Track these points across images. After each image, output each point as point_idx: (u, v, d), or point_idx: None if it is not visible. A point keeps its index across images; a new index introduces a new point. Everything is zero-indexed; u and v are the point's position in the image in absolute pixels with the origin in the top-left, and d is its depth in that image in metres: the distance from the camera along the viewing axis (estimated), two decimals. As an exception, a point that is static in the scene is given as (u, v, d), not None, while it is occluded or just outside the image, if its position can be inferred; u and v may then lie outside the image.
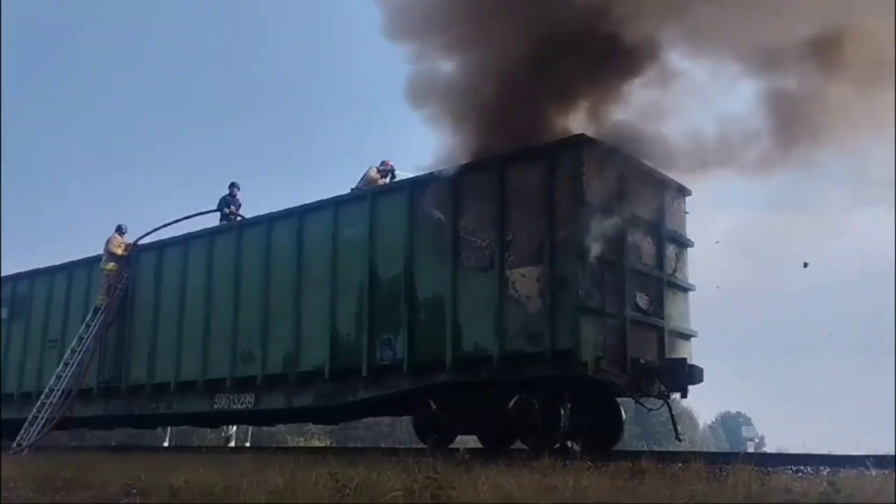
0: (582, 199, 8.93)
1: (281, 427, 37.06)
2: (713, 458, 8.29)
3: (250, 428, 32.32)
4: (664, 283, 10.06)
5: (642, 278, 9.77)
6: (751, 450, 29.62)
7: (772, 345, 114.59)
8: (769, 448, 41.12)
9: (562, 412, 9.09)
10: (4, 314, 16.02)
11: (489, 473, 5.79)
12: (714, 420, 74.53)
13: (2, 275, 15.95)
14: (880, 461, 6.00)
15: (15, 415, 14.52)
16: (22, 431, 13.00)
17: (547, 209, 9.16)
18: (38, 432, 12.92)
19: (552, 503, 4.13)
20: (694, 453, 9.10)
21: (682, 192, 10.63)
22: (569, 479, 5.16)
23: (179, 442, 28.40)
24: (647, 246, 9.98)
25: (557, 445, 9.13)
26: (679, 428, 10.88)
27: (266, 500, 4.46)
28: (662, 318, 9.91)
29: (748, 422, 64.26)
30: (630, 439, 36.92)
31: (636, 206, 9.68)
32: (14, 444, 12.77)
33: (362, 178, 11.83)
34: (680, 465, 7.00)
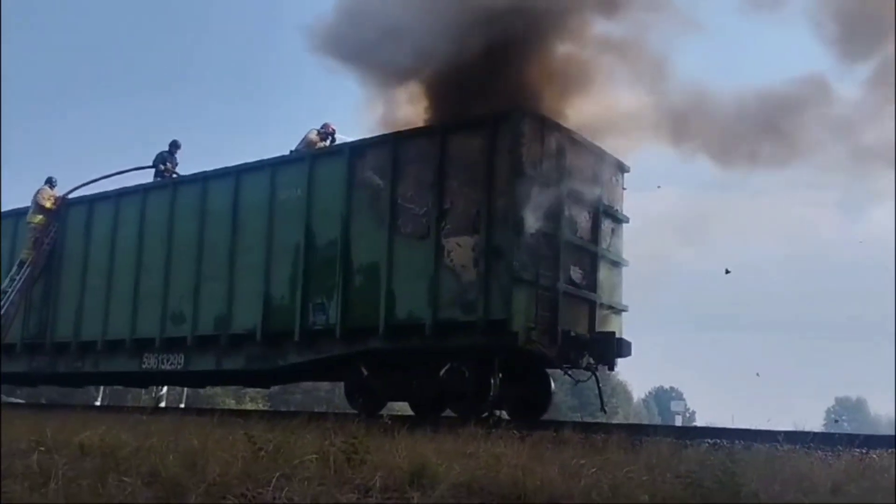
0: (520, 171, 8.94)
1: (218, 390, 36.77)
2: (636, 430, 8.51)
3: (185, 389, 32.02)
4: (598, 257, 10.17)
5: (577, 252, 9.86)
6: (678, 423, 30.45)
7: (707, 322, 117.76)
8: (699, 422, 42.38)
9: (492, 381, 9.18)
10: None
11: (411, 440, 5.80)
12: (647, 394, 76.30)
13: None
14: (790, 436, 6.22)
15: (-66, 368, 14.06)
16: (-60, 386, 12.61)
17: (485, 179, 9.15)
18: (-43, 387, 12.55)
19: (465, 469, 4.15)
20: (617, 425, 9.35)
21: (621, 168, 10.72)
22: (487, 446, 5.19)
23: (112, 401, 27.85)
24: (583, 220, 10.05)
25: (486, 414, 9.21)
26: (613, 401, 11.16)
27: (175, 461, 4.38)
28: (595, 292, 10.03)
29: (680, 396, 65.94)
30: (566, 411, 37.60)
31: (574, 179, 9.73)
32: (-70, 400, 12.38)
33: (302, 141, 11.63)
34: (602, 435, 7.15)
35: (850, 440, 6.42)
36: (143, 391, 36.80)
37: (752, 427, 7.95)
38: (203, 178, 11.89)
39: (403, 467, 4.27)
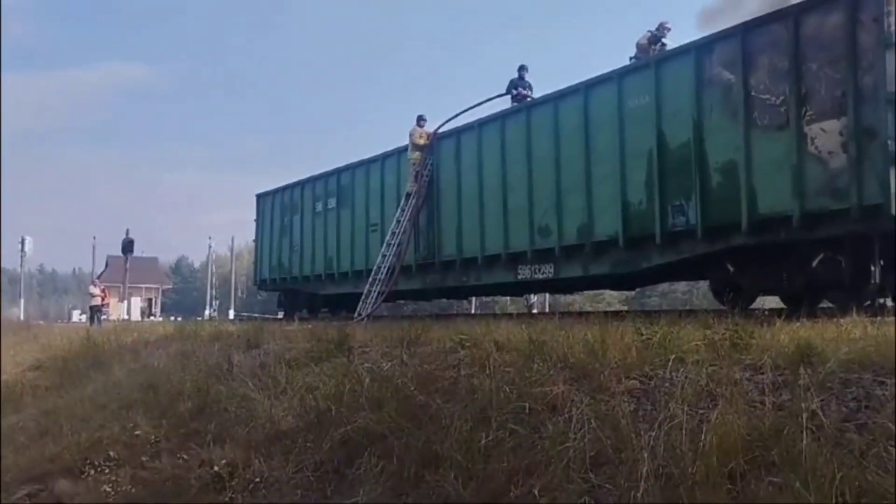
0: (890, 41, 8.20)
1: (577, 297, 38.75)
2: None
3: (547, 298, 34.32)
4: None
5: (973, 120, 8.79)
6: None
7: None
8: None
9: (872, 269, 8.76)
10: (332, 203, 18.43)
11: (790, 328, 5.95)
12: None
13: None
14: None
15: (351, 289, 16.91)
16: (360, 304, 15.12)
17: (849, 56, 8.54)
18: (373, 304, 14.97)
19: (852, 349, 4.29)
20: None
21: None
22: (873, 331, 5.19)
23: (482, 311, 30.89)
24: (979, 83, 8.89)
25: (868, 303, 8.83)
26: None
27: (581, 350, 5.12)
28: None
29: None
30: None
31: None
32: (355, 315, 14.94)
33: (638, 47, 11.80)
34: None
35: None
36: (508, 301, 40.17)
37: None
38: (554, 98, 12.58)
39: (790, 349, 4.53)
